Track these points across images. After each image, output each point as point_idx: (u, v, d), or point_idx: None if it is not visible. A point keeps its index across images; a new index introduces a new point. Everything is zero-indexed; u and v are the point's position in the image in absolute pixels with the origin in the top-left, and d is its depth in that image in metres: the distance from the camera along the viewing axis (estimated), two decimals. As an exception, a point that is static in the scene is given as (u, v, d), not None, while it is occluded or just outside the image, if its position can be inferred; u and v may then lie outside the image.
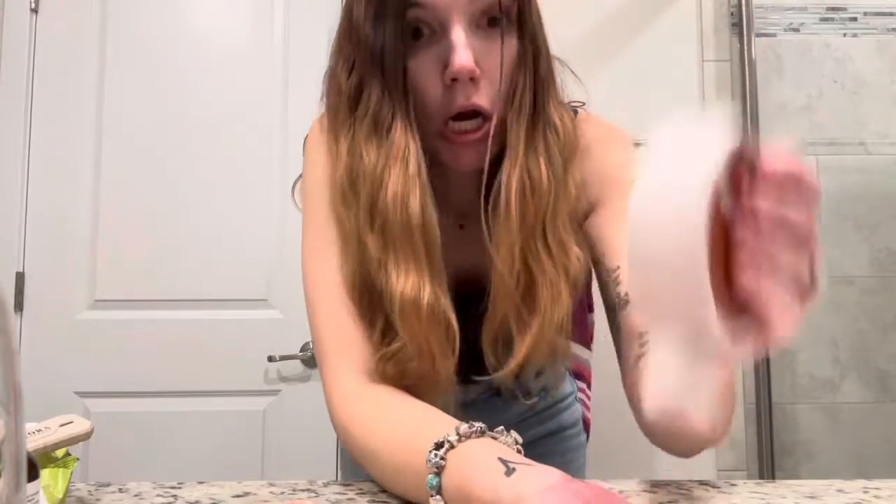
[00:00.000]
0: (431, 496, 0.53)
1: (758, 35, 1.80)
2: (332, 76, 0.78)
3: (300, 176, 0.85)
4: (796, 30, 1.83)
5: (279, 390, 1.74)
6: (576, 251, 0.73)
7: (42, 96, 1.78)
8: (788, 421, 1.76)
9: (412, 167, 0.69)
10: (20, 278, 1.73)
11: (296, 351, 1.72)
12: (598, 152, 0.77)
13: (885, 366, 1.78)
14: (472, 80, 0.68)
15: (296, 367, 1.74)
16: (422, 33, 0.68)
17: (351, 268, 0.72)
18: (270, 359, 1.70)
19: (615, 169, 0.76)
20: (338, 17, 0.78)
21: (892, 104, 1.83)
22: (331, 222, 0.75)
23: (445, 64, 0.67)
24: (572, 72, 0.79)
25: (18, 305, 1.73)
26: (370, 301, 0.72)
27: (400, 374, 0.69)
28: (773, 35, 1.83)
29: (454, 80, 0.67)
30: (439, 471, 0.53)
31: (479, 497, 0.49)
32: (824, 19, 1.83)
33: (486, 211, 0.71)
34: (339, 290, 0.73)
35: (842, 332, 1.78)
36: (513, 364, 0.71)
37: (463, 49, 0.66)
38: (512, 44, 0.70)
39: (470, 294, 0.73)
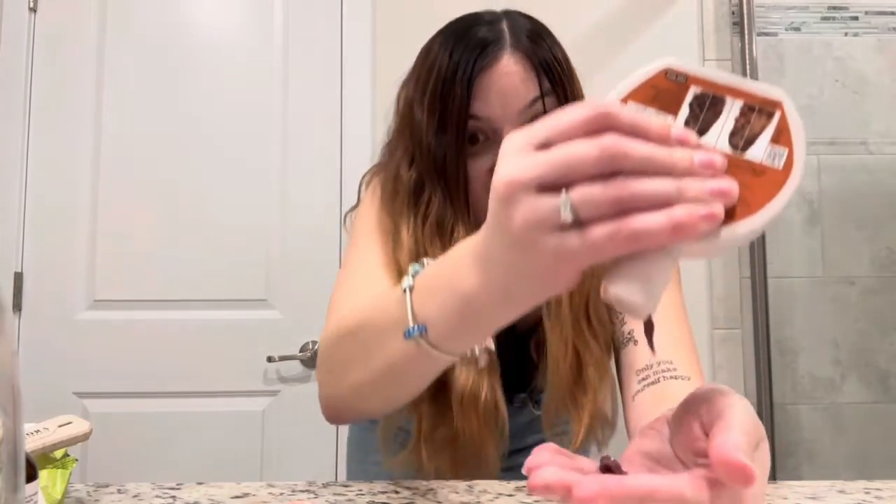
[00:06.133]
0: (404, 285, 0.51)
1: (759, 34, 1.80)
2: (390, 159, 0.84)
3: (355, 206, 0.89)
4: (797, 29, 1.83)
5: (278, 391, 1.73)
6: (612, 322, 0.80)
7: (40, 95, 1.78)
8: (790, 421, 1.76)
9: None
10: (19, 278, 1.73)
11: (295, 351, 1.71)
12: None
13: (887, 366, 1.78)
14: None
15: (295, 367, 1.73)
16: (477, 139, 0.75)
17: None
18: (270, 359, 1.70)
19: None
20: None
21: (894, 103, 1.83)
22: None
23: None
24: None
25: (17, 306, 1.72)
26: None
27: (450, 458, 0.76)
28: (775, 34, 1.83)
29: None
30: (424, 266, 0.52)
31: (447, 259, 0.48)
32: (825, 18, 1.83)
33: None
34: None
35: (843, 333, 1.78)
36: (573, 448, 0.76)
37: None
38: None
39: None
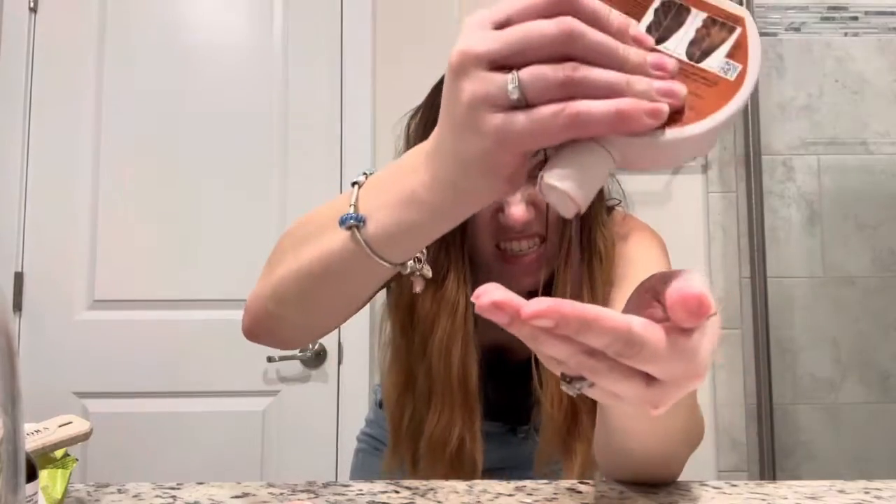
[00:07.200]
0: (354, 180, 0.50)
1: (758, 34, 1.80)
2: None
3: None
4: (797, 29, 1.83)
5: (278, 391, 1.73)
6: None
7: (41, 96, 1.78)
8: (789, 421, 1.76)
9: (459, 318, 0.77)
10: (19, 278, 1.73)
11: (295, 351, 1.71)
12: (629, 242, 0.83)
13: (887, 366, 1.78)
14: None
15: (295, 367, 1.73)
16: None
17: (403, 368, 0.82)
18: (269, 359, 1.70)
19: (636, 260, 0.81)
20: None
21: (894, 103, 1.83)
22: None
23: (501, 209, 0.74)
24: (618, 183, 0.87)
25: (17, 306, 1.72)
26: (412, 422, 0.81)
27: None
28: (774, 34, 1.83)
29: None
30: (367, 177, 0.51)
31: (401, 160, 0.47)
32: (825, 18, 1.83)
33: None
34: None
35: (843, 333, 1.78)
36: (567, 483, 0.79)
37: (517, 204, 0.73)
38: None
39: (503, 356, 0.84)
